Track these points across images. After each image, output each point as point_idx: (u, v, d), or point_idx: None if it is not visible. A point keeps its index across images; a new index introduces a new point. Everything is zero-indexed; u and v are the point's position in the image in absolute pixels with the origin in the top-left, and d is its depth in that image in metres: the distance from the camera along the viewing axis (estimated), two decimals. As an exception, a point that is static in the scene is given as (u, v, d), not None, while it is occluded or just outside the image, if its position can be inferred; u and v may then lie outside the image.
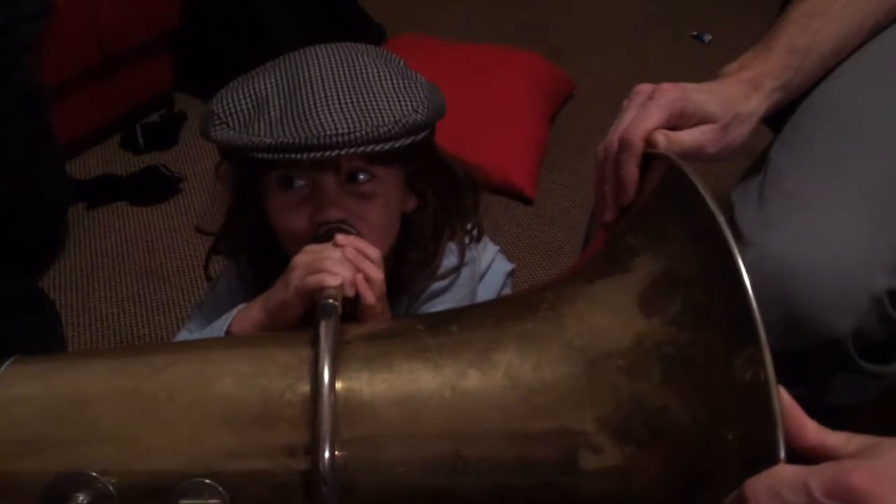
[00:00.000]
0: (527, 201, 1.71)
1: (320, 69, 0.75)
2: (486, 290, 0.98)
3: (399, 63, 0.81)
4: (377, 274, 0.72)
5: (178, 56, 1.93)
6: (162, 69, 1.91)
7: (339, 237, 0.73)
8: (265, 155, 0.72)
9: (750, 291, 0.46)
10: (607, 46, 2.35)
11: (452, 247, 0.89)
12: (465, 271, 0.90)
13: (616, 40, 2.39)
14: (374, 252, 0.73)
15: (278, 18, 1.91)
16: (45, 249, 1.50)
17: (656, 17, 2.56)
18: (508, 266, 1.06)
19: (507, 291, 1.06)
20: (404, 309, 0.88)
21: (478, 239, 0.95)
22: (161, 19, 1.82)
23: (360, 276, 0.71)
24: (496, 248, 1.06)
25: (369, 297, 0.72)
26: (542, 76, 1.93)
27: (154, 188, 1.69)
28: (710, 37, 2.39)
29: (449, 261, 0.89)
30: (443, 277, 0.88)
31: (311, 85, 0.74)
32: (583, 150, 1.86)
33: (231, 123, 0.74)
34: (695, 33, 2.42)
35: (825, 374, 0.69)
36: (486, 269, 1.01)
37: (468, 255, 0.90)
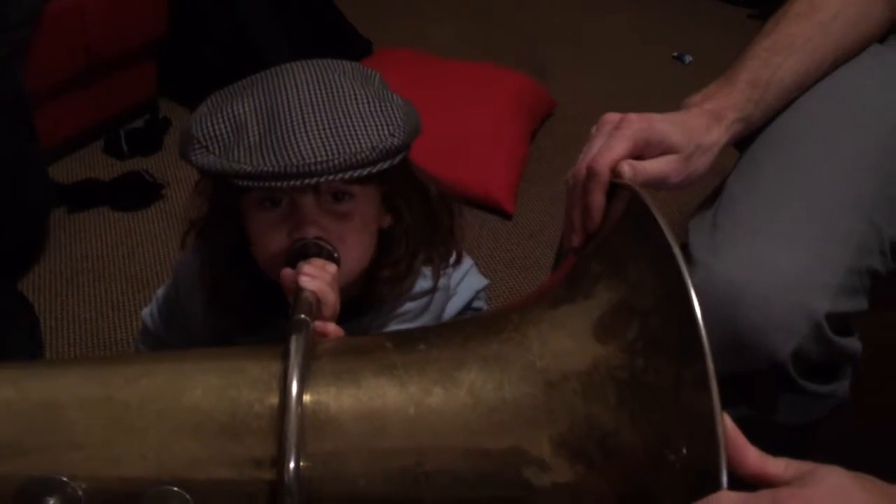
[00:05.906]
0: (506, 216, 1.73)
1: (298, 91, 0.76)
2: (453, 306, 0.99)
3: (376, 82, 0.82)
4: (332, 297, 0.73)
5: (163, 63, 1.94)
6: (147, 75, 1.92)
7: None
8: (245, 182, 0.73)
9: (700, 322, 0.48)
10: (589, 65, 2.38)
11: (426, 272, 0.90)
12: (436, 296, 0.91)
13: (598, 60, 2.43)
14: (331, 273, 0.74)
15: (265, 29, 1.92)
16: (25, 252, 1.50)
17: (638, 38, 2.60)
18: (481, 283, 1.06)
19: (479, 304, 1.07)
20: (366, 327, 0.89)
21: (457, 262, 0.95)
22: (148, 27, 1.83)
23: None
24: (470, 262, 1.06)
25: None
26: (523, 93, 1.96)
27: (136, 193, 1.70)
28: (690, 58, 2.43)
29: (421, 284, 0.90)
30: (413, 299, 0.89)
31: (289, 109, 0.75)
32: (562, 167, 1.86)
33: (211, 148, 0.75)
34: (676, 54, 2.46)
35: (770, 394, 0.71)
36: (458, 282, 1.01)
37: (442, 280, 0.91)
